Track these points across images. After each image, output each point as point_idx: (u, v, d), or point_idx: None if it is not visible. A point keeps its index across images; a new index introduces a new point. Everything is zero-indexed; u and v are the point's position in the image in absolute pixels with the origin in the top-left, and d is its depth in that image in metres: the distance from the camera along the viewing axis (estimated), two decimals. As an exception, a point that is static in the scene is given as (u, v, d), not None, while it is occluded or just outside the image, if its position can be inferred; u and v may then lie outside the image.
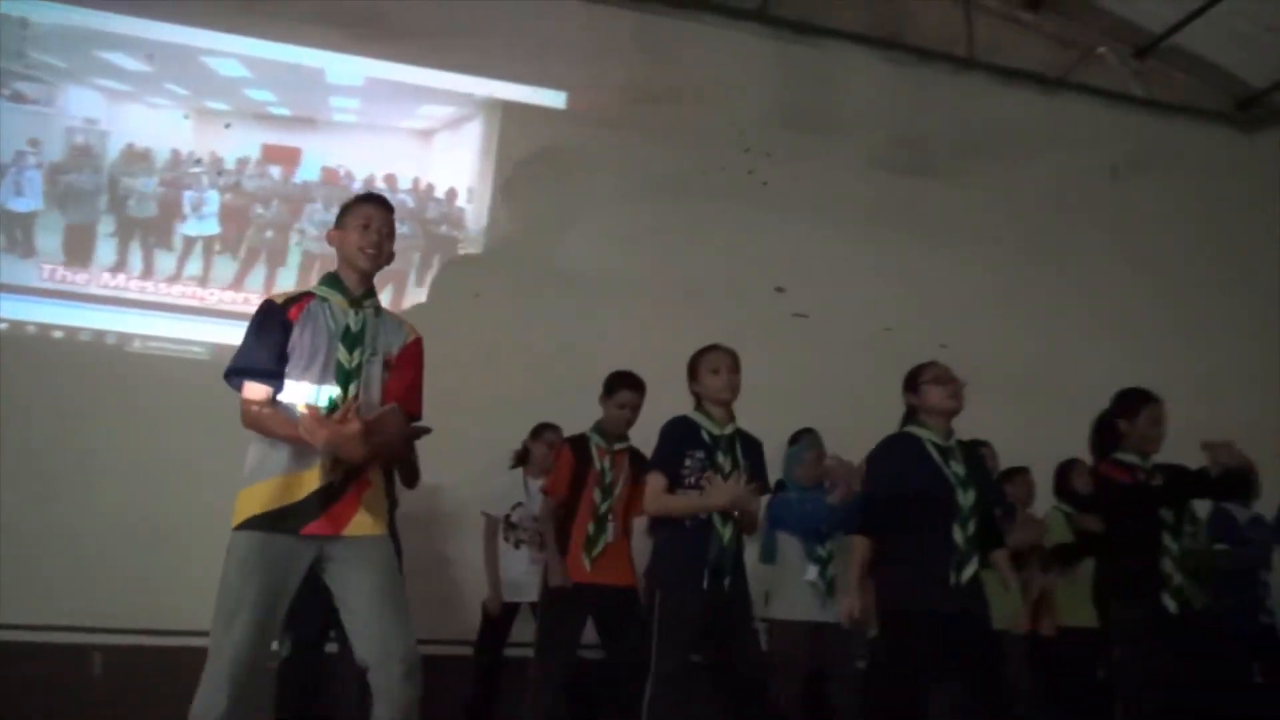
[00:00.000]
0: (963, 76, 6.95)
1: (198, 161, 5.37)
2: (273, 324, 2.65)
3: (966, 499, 3.26)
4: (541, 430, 4.68)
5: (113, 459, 4.69)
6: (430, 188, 5.74)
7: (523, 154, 5.84)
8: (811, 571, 4.26)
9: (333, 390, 2.62)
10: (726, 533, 3.23)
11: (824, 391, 5.03)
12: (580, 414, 4.24)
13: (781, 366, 5.51)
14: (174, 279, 5.24)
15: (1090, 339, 6.34)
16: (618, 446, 4.06)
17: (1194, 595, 3.72)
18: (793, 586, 4.28)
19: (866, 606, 3.30)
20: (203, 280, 5.29)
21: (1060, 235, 6.79)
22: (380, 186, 5.56)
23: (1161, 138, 7.29)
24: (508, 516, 4.61)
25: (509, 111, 5.89)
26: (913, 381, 3.50)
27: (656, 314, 5.60)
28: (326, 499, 2.56)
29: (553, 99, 6.00)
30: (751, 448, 3.43)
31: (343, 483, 2.58)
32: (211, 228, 5.36)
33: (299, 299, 2.72)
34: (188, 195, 5.35)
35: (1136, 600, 3.66)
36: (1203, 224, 7.10)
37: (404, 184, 5.69)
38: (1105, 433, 3.89)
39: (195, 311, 5.22)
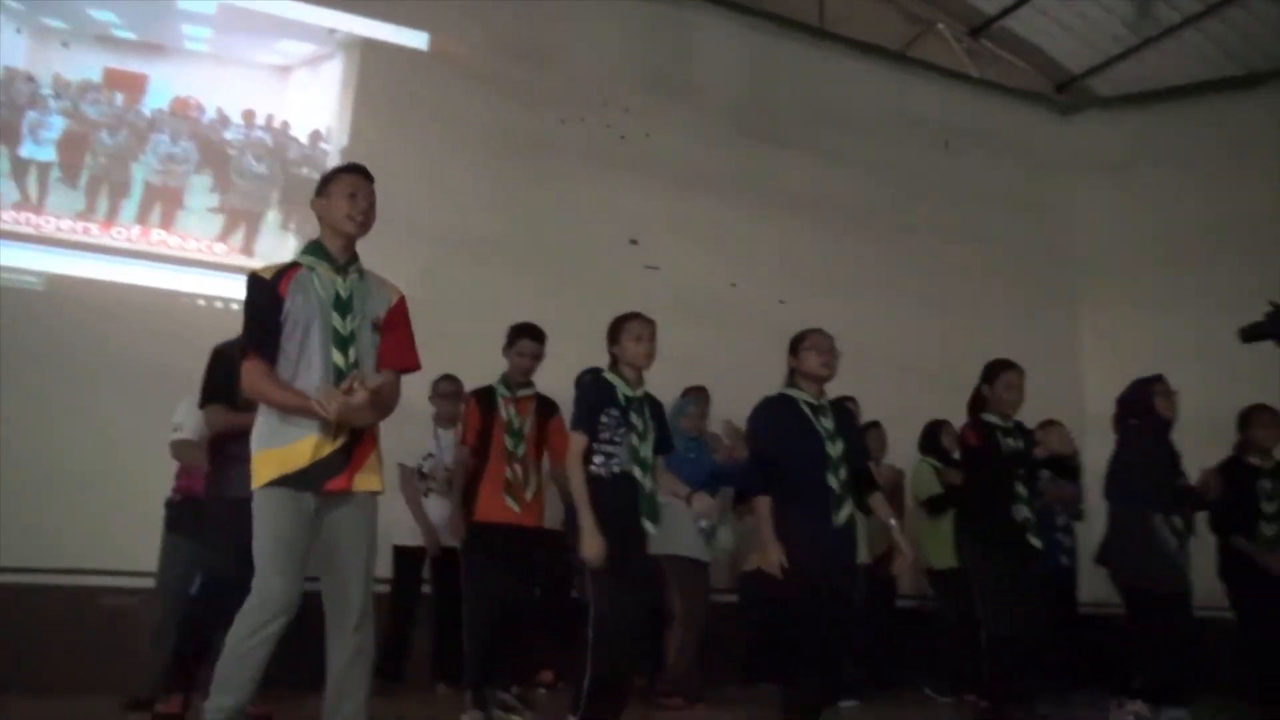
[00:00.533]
0: (815, 46, 7.30)
1: (29, 79, 5.11)
2: (264, 299, 2.77)
3: (835, 450, 3.70)
4: (437, 383, 4.89)
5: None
6: (286, 125, 5.65)
7: (383, 99, 5.81)
8: (703, 520, 4.64)
9: (331, 357, 2.77)
10: (647, 483, 3.50)
11: (672, 342, 5.28)
12: (431, 366, 4.36)
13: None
14: (13, 206, 5.00)
15: (919, 306, 6.86)
16: (522, 394, 4.24)
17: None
18: (674, 528, 4.58)
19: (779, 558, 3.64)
20: (38, 208, 5.06)
21: (897, 205, 7.27)
22: (236, 122, 5.45)
23: (989, 115, 7.86)
24: (419, 467, 4.78)
25: (369, 52, 5.84)
26: (795, 345, 3.88)
27: (511, 266, 5.72)
28: (344, 459, 2.76)
29: (415, 39, 5.98)
30: (656, 409, 3.69)
31: (351, 442, 2.78)
32: (48, 153, 5.13)
33: (286, 271, 2.82)
34: (28, 116, 5.10)
35: (989, 547, 4.22)
36: (1023, 200, 7.72)
37: (259, 120, 5.58)
38: (974, 397, 4.47)
39: (32, 240, 5.01)
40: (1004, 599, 4.15)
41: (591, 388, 3.56)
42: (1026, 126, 8.05)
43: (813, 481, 3.67)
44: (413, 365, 2.97)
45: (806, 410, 3.76)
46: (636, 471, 3.46)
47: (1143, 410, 4.52)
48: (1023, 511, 4.25)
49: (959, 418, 4.68)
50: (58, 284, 4.96)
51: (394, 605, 4.72)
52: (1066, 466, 4.86)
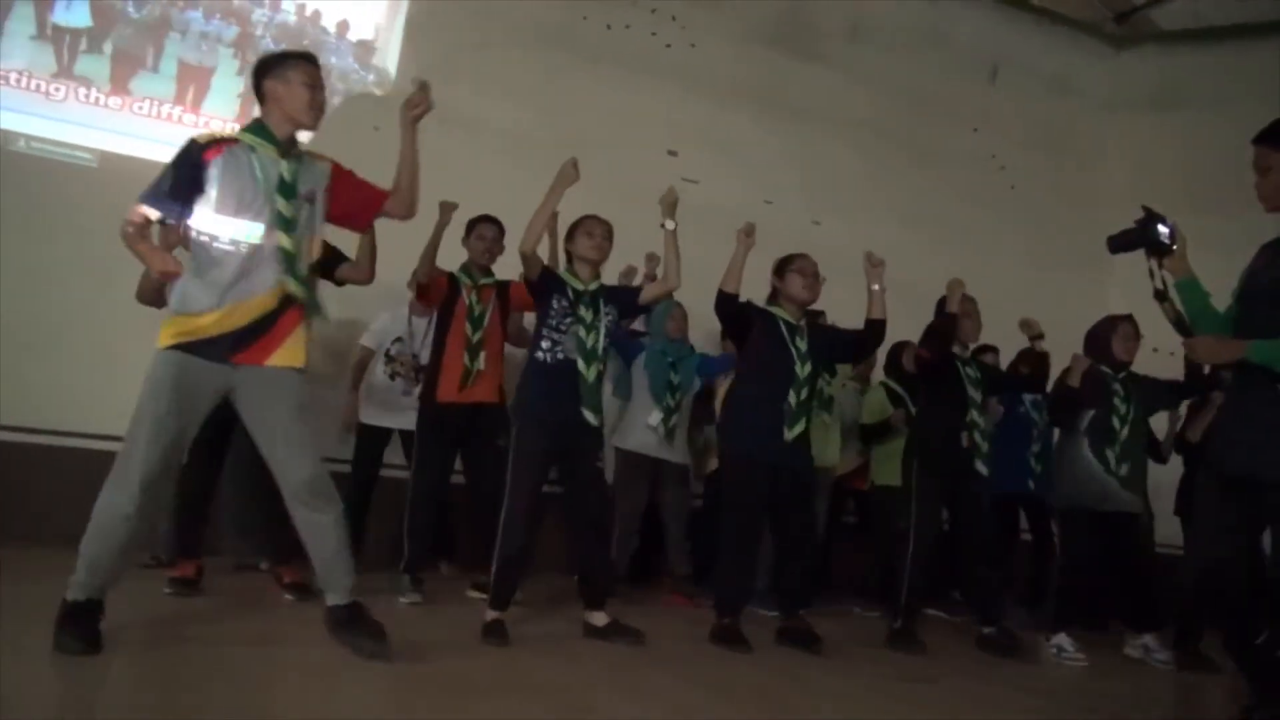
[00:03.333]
0: (861, -38, 7.14)
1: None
2: (184, 160, 2.80)
3: (803, 370, 3.91)
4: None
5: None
6: (318, 14, 5.66)
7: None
8: (654, 417, 4.81)
9: (278, 240, 2.81)
10: (591, 373, 3.60)
11: (705, 257, 5.35)
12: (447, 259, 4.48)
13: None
14: (56, 74, 5.03)
15: (949, 234, 6.85)
16: (483, 281, 4.35)
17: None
18: (640, 424, 4.87)
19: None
20: (67, 74, 5.06)
21: (935, 130, 7.20)
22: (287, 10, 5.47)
23: (1038, 44, 7.70)
24: (387, 350, 4.87)
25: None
26: (781, 267, 4.08)
27: (549, 166, 5.74)
28: (259, 329, 2.81)
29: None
30: (613, 293, 3.80)
31: (277, 311, 2.82)
32: (83, 19, 5.11)
33: (219, 142, 2.85)
34: None
35: (933, 469, 4.37)
36: (1060, 135, 7.62)
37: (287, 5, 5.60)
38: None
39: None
40: (932, 517, 4.37)
41: (545, 275, 3.65)
42: (1079, 58, 7.89)
43: (773, 396, 3.89)
44: (380, 197, 3.06)
45: (784, 329, 3.97)
46: (580, 363, 3.57)
47: (1099, 347, 4.60)
48: (977, 437, 4.39)
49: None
50: (109, 160, 5.04)
51: (351, 484, 4.70)
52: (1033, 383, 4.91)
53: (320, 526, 2.87)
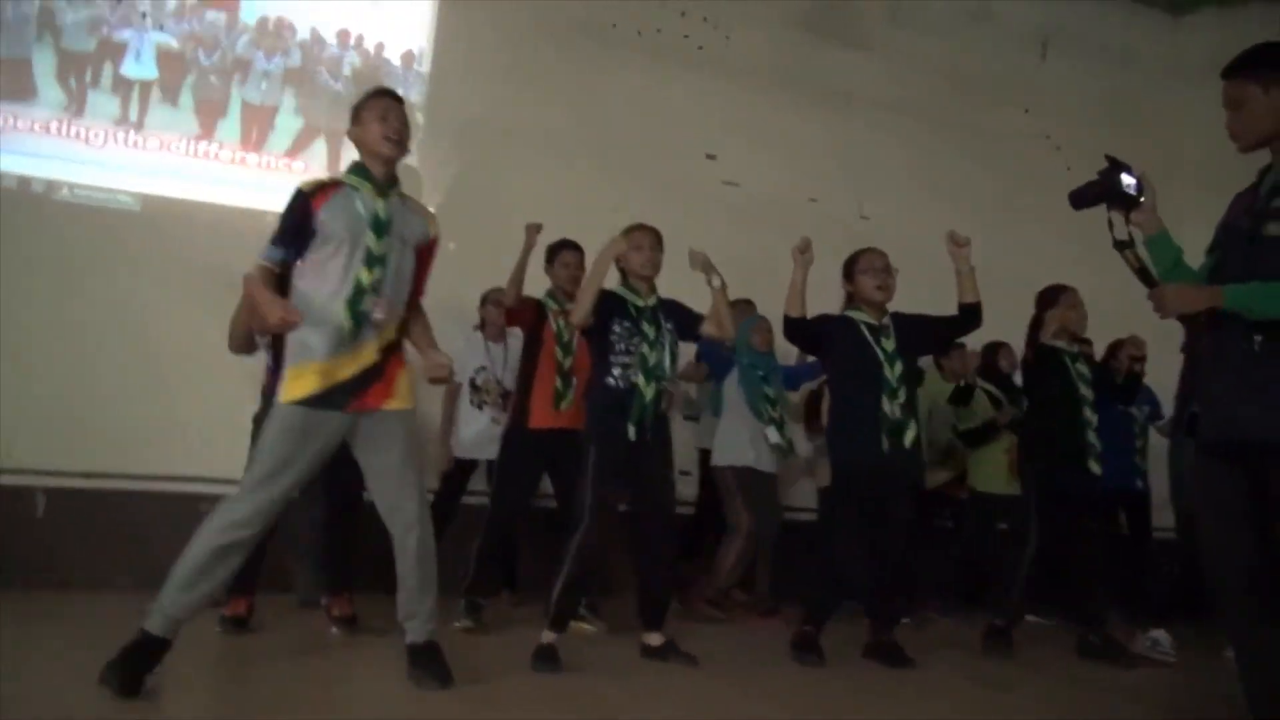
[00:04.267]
0: (899, -55, 6.94)
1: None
2: (294, 208, 2.88)
3: (893, 373, 3.75)
4: (488, 295, 4.86)
5: (44, 309, 4.67)
6: (380, 46, 5.62)
7: (464, 11, 5.74)
8: (772, 434, 4.80)
9: (356, 273, 2.86)
10: (649, 391, 3.50)
11: (750, 261, 5.22)
12: (492, 272, 4.45)
13: (708, 233, 5.70)
14: (118, 122, 5.02)
15: (1008, 219, 6.58)
16: (570, 306, 4.26)
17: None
18: (736, 437, 4.86)
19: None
20: (139, 126, 5.07)
21: (985, 112, 6.95)
22: (327, 41, 5.47)
23: (1089, 16, 7.40)
24: (472, 380, 4.79)
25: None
26: (849, 269, 3.95)
27: (591, 171, 5.67)
28: (370, 378, 2.91)
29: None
30: (672, 309, 3.71)
31: (382, 362, 2.92)
32: (150, 71, 5.12)
33: (325, 186, 2.93)
34: (127, 34, 5.08)
35: (1052, 470, 4.18)
36: (1124, 107, 7.31)
37: (348, 39, 5.57)
38: (1033, 321, 4.41)
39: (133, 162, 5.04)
40: (1056, 522, 4.14)
41: (601, 300, 3.56)
42: (1134, 29, 7.57)
43: (868, 406, 3.73)
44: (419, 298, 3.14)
45: (866, 333, 3.80)
46: (641, 380, 3.49)
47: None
48: (1090, 436, 4.17)
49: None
50: (153, 203, 5.04)
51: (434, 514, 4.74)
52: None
53: (427, 557, 2.98)
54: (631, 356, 3.51)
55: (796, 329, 3.84)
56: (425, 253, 3.09)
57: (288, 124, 5.36)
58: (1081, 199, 2.69)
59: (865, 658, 3.79)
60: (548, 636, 3.40)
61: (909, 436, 3.73)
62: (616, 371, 3.52)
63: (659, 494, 3.61)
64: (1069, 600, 4.39)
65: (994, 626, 4.18)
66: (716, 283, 3.63)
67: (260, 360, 3.98)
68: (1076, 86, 7.18)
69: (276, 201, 3.04)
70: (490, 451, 4.60)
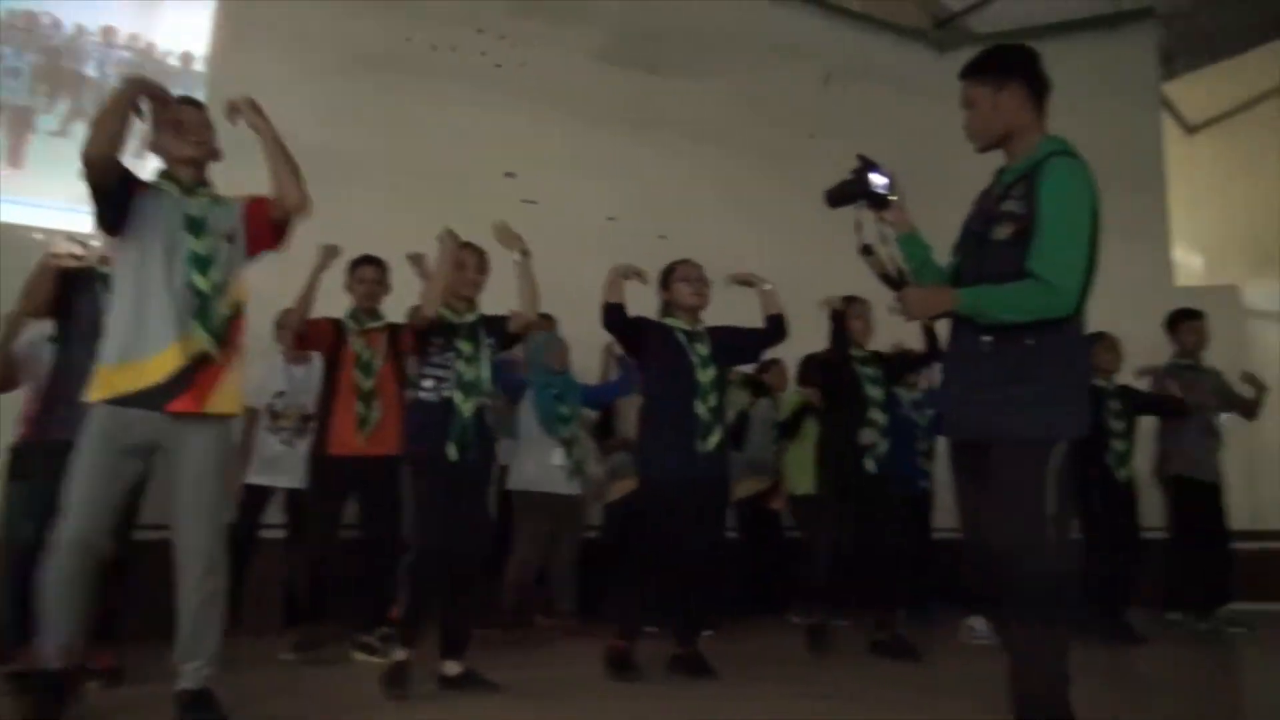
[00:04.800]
0: (695, -26, 7.11)
1: None
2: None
3: (705, 376, 3.80)
4: (286, 313, 4.48)
5: None
6: (151, 46, 5.22)
7: (247, 17, 5.39)
8: (557, 455, 4.70)
9: (191, 278, 2.68)
10: (468, 408, 3.41)
11: (551, 279, 5.13)
12: (286, 295, 4.16)
13: (507, 250, 5.59)
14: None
15: (802, 238, 6.81)
16: (370, 325, 4.13)
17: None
18: (534, 463, 4.73)
19: None
20: None
21: (779, 136, 7.20)
22: (93, 38, 5.01)
23: (869, 50, 7.84)
24: (270, 406, 4.51)
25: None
26: (666, 278, 3.97)
27: (383, 196, 5.47)
28: (191, 375, 2.64)
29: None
30: (492, 325, 3.63)
31: (202, 361, 2.65)
32: None
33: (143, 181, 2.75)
34: None
35: (838, 469, 4.40)
36: (901, 133, 7.74)
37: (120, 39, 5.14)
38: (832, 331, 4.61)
39: None
40: (845, 521, 4.35)
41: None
42: (906, 62, 8.07)
43: (682, 408, 3.76)
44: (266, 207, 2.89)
45: (681, 338, 3.85)
46: (458, 396, 3.42)
47: None
48: (868, 436, 4.38)
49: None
50: None
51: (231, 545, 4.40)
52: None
53: (216, 600, 2.72)
54: (446, 371, 3.44)
55: (616, 315, 3.82)
56: (249, 206, 2.87)
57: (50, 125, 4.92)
58: (836, 198, 2.66)
59: (671, 671, 3.76)
60: (401, 654, 3.29)
61: (714, 440, 3.76)
62: (429, 384, 3.44)
63: (470, 519, 3.46)
64: (861, 599, 4.55)
65: (812, 627, 4.33)
66: (518, 257, 3.59)
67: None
68: (858, 113, 7.56)
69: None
70: (285, 480, 4.39)
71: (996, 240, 2.36)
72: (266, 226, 2.88)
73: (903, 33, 8.18)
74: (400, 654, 3.30)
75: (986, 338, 2.31)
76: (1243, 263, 8.31)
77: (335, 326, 4.11)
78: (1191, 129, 8.74)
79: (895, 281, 2.50)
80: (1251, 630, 5.15)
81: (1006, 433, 2.28)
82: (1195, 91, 8.71)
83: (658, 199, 6.54)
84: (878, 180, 2.60)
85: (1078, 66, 7.51)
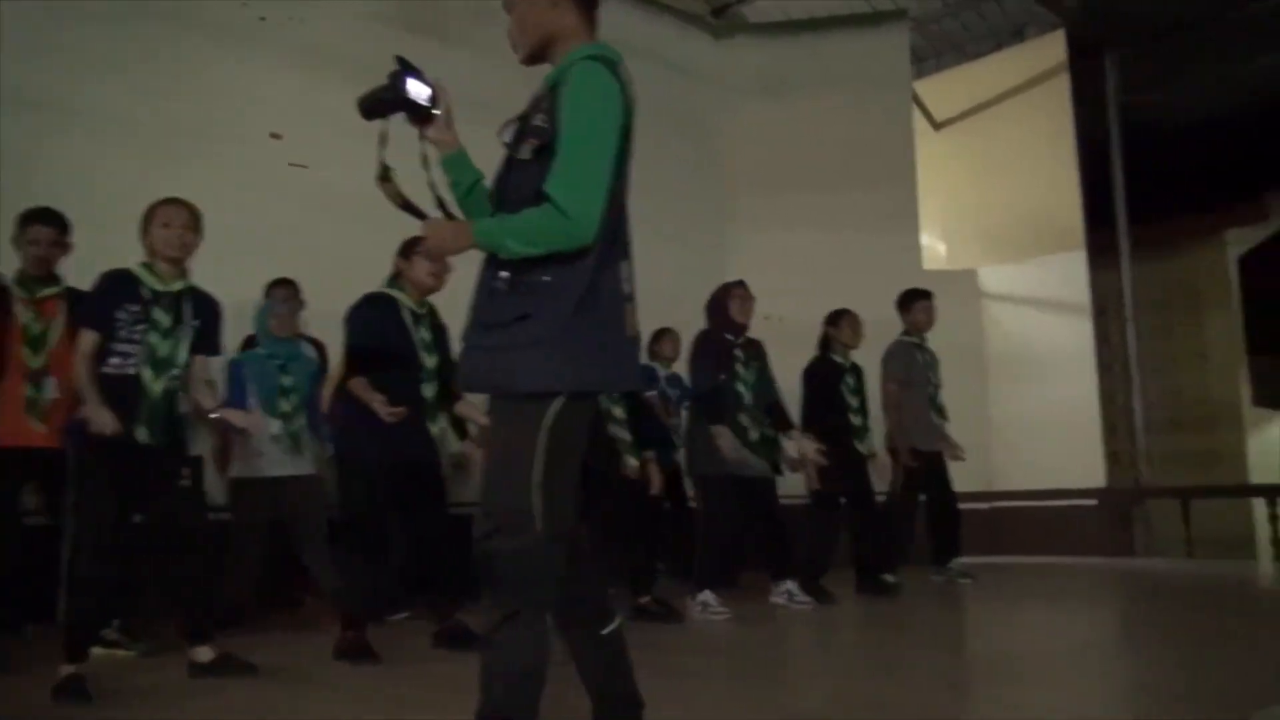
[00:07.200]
0: (476, -60, 6.96)
1: None
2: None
3: (430, 361, 3.66)
4: None
5: None
6: None
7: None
8: (275, 426, 4.28)
9: None
10: (156, 387, 3.12)
11: (324, 243, 4.94)
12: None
13: (277, 216, 5.33)
14: None
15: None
16: (44, 293, 3.63)
17: None
18: (255, 445, 4.29)
19: None
20: None
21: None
22: None
23: (648, 32, 7.96)
24: None
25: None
26: (406, 249, 3.73)
27: (142, 153, 5.06)
28: None
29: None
30: (206, 307, 3.31)
31: None
32: None
33: None
34: None
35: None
36: (681, 118, 7.95)
37: None
38: None
39: None
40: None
41: (105, 279, 3.17)
42: (685, 46, 8.27)
43: (408, 387, 3.58)
44: None
45: (407, 317, 3.68)
46: (147, 372, 3.11)
47: (719, 313, 4.83)
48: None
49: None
50: None
51: None
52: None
53: None
54: (135, 345, 3.10)
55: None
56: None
57: None
58: (371, 107, 2.18)
59: (435, 646, 3.68)
60: (66, 670, 2.94)
61: (438, 426, 3.67)
62: (115, 360, 3.09)
63: (172, 504, 3.21)
64: (620, 567, 4.61)
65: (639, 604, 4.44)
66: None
67: None
68: (637, 92, 7.65)
69: None
70: None
71: (521, 159, 2.01)
72: None
73: (682, 17, 8.37)
74: (67, 668, 2.95)
75: (503, 273, 1.94)
76: (979, 249, 9.13)
77: (1, 294, 3.58)
78: (939, 125, 9.47)
79: (416, 211, 2.09)
80: (975, 579, 5.65)
81: (503, 382, 1.92)
82: (942, 90, 9.44)
83: (434, 168, 6.38)
84: (417, 90, 2.19)
85: (839, 62, 8.02)
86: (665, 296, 5.05)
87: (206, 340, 3.29)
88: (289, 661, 3.52)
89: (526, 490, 1.86)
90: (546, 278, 1.90)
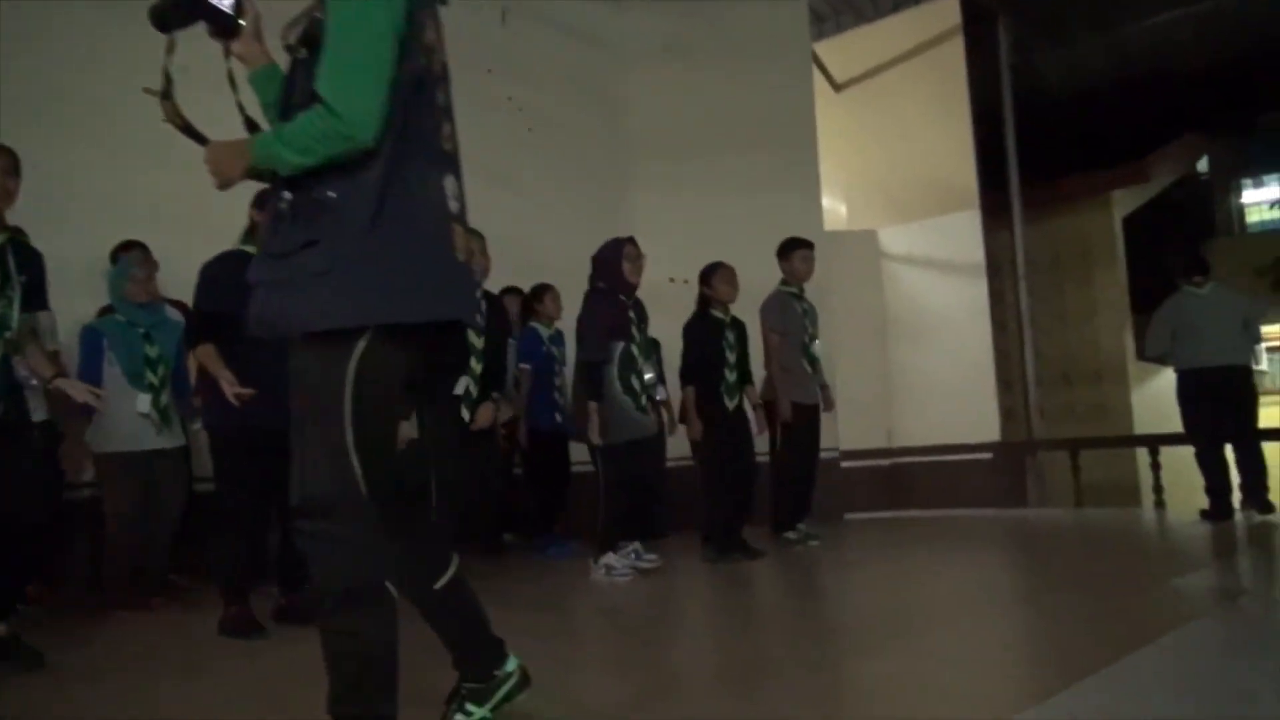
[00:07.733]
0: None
1: None
2: None
3: None
4: None
5: None
6: None
7: None
8: (142, 402, 4.06)
9: None
10: None
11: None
12: None
13: (130, 174, 5.03)
14: None
15: (481, 181, 6.69)
16: None
17: None
18: (121, 418, 4.04)
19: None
20: None
21: (453, 71, 6.97)
22: None
23: (546, -4, 7.79)
24: None
25: None
26: (261, 200, 3.45)
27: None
28: None
29: None
30: (30, 260, 3.08)
31: None
32: None
33: None
34: None
35: None
36: (581, 81, 7.80)
37: None
38: None
39: None
40: None
41: None
42: (586, 10, 8.10)
43: (265, 354, 3.34)
44: None
45: None
46: None
47: (609, 272, 4.71)
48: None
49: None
50: None
51: None
52: None
53: None
54: None
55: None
56: None
57: None
58: (163, 15, 1.86)
59: (277, 621, 3.54)
60: None
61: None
62: None
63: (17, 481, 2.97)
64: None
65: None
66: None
67: None
68: (538, 54, 7.50)
69: None
70: None
71: (300, 60, 1.79)
72: None
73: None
74: None
75: (286, 194, 1.73)
76: (879, 210, 9.27)
77: None
78: (839, 87, 9.54)
79: (196, 135, 1.86)
80: (822, 540, 5.53)
81: (294, 322, 1.69)
82: (842, 52, 9.50)
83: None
84: None
85: (739, 24, 7.96)
86: (567, 259, 5.00)
87: (35, 295, 3.05)
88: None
89: (340, 454, 1.64)
90: (331, 193, 1.67)
